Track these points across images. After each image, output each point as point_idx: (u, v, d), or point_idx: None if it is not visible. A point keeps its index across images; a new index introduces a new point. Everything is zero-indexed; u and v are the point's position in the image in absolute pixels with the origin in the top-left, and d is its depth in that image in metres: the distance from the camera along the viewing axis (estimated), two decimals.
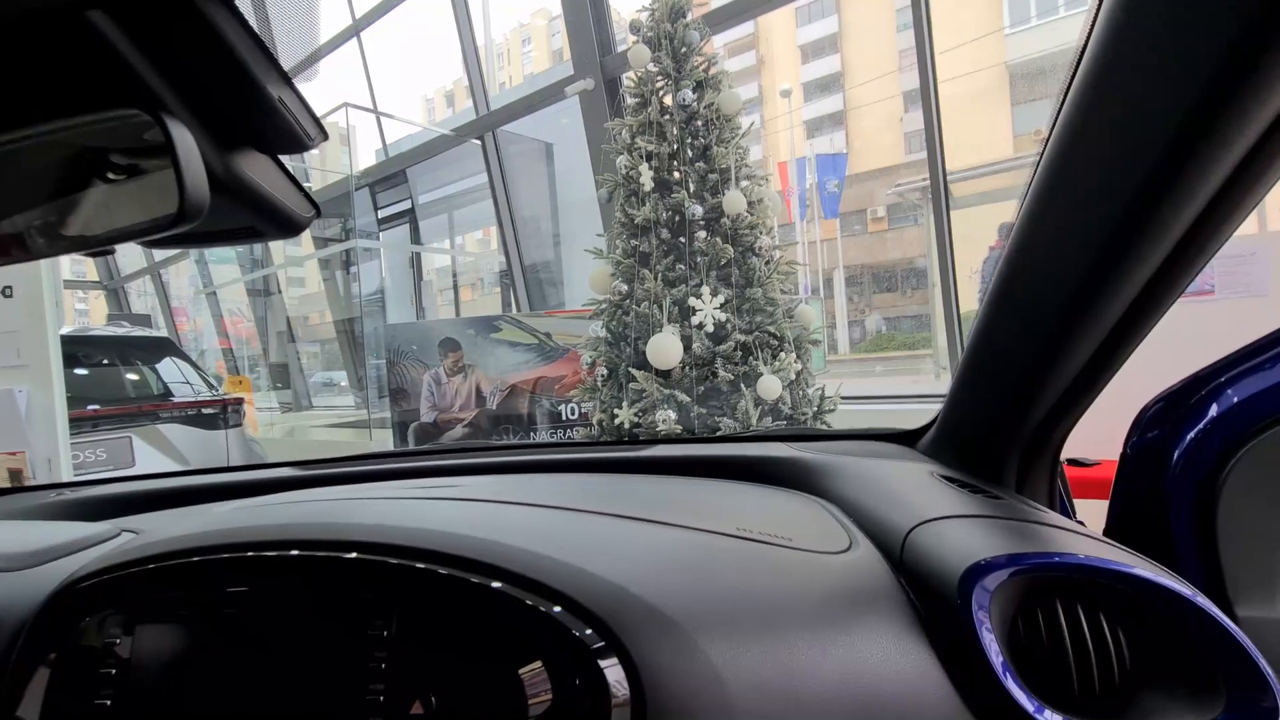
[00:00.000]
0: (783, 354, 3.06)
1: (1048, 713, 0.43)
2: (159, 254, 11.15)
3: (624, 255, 3.30)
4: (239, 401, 4.11)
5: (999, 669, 0.44)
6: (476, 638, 0.47)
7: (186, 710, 0.49)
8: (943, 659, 0.47)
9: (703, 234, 3.22)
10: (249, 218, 0.45)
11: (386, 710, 0.45)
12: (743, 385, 2.98)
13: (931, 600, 0.50)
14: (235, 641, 0.50)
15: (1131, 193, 0.42)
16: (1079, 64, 0.40)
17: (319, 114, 0.42)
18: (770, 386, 2.89)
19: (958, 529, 0.55)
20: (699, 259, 3.17)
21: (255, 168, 0.42)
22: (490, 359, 5.26)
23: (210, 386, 4.18)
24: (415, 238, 8.84)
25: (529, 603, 0.46)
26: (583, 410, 4.62)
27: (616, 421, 3.16)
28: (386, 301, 8.44)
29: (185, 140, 0.33)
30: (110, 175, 0.35)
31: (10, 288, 1.46)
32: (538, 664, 0.45)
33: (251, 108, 0.37)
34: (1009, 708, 0.44)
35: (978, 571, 0.48)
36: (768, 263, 3.20)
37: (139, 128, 0.33)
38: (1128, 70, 0.37)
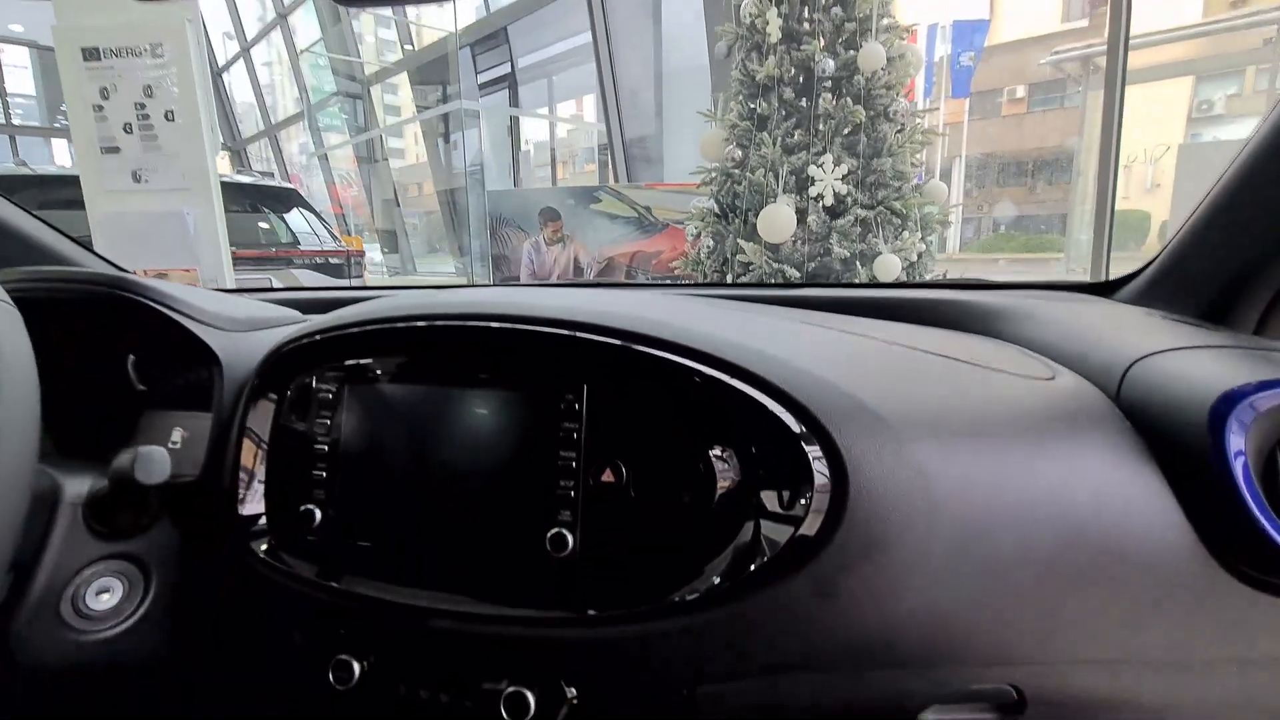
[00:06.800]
0: (905, 233, 2.85)
1: None
2: (275, 117, 11.59)
3: (740, 118, 3.07)
4: (360, 254, 4.36)
5: (1252, 503, 0.40)
6: (670, 416, 0.46)
7: (391, 464, 0.52)
8: (1178, 492, 0.43)
9: (829, 95, 2.92)
10: None
11: (579, 476, 0.46)
12: (858, 264, 2.81)
13: (1167, 433, 0.45)
14: (434, 406, 0.52)
15: None
16: None
17: None
18: (889, 266, 2.71)
19: (1196, 360, 0.48)
20: (823, 124, 2.91)
21: None
22: (589, 230, 5.24)
23: (334, 238, 4.43)
24: (514, 103, 8.67)
25: (731, 385, 0.45)
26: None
27: None
28: (485, 170, 8.49)
29: None
30: None
31: (172, 111, 1.53)
32: (738, 444, 0.44)
33: None
34: (1258, 539, 0.40)
35: (1231, 399, 0.42)
36: (900, 130, 2.90)
37: None
38: None
